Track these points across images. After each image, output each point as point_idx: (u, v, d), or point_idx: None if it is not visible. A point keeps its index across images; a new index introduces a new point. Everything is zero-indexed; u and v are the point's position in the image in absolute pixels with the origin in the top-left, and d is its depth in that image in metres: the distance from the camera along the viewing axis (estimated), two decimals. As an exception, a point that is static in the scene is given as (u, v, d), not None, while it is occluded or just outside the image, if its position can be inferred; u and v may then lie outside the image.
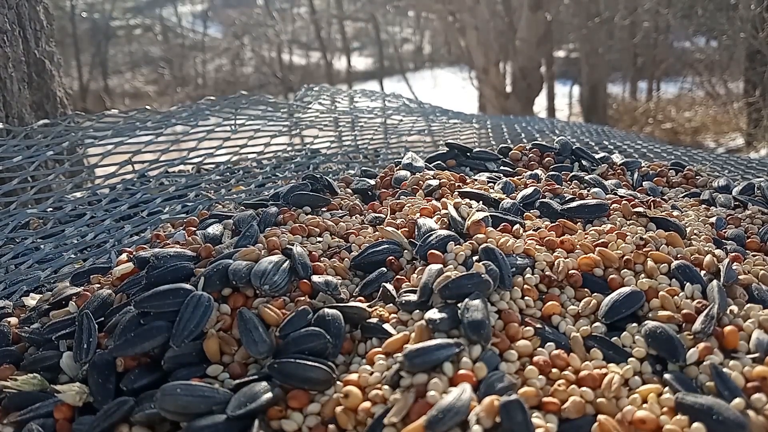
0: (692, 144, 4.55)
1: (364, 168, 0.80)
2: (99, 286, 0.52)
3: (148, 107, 1.04)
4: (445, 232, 0.51)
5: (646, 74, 6.23)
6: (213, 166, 0.94)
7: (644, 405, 0.37)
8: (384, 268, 0.50)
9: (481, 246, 0.48)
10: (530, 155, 0.82)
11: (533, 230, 0.54)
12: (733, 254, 0.52)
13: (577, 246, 0.50)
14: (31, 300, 0.55)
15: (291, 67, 8.15)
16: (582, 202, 0.60)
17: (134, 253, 0.53)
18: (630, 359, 0.40)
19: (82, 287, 0.53)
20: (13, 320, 0.51)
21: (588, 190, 0.67)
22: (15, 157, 0.83)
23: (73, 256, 0.68)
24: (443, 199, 0.61)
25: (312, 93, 1.35)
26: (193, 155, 0.95)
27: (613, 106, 6.04)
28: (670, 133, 5.14)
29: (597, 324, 0.43)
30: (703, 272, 0.47)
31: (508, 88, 4.96)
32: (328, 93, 1.39)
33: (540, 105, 5.71)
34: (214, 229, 0.57)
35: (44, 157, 0.85)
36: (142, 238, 0.70)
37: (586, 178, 0.72)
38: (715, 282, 0.45)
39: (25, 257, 0.67)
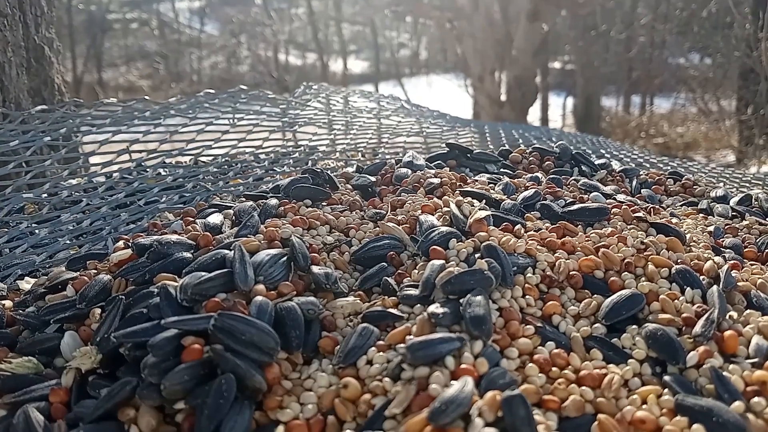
0: (683, 159, 4.57)
1: (363, 165, 0.80)
2: (96, 271, 0.52)
3: (147, 98, 1.03)
4: (446, 229, 0.51)
5: (640, 88, 6.27)
6: (211, 158, 0.94)
7: (644, 406, 0.37)
8: (384, 263, 0.50)
9: (483, 244, 0.48)
10: (530, 158, 0.82)
11: (534, 231, 0.54)
12: (732, 261, 0.52)
13: (578, 248, 0.51)
14: (26, 284, 0.55)
15: (287, 68, 8.13)
16: (583, 205, 0.60)
17: (132, 240, 0.53)
18: (630, 360, 0.40)
19: (79, 272, 0.53)
20: (8, 303, 0.50)
21: (588, 194, 0.68)
22: (11, 141, 0.82)
23: (68, 241, 0.67)
24: (445, 197, 0.61)
25: (311, 91, 1.35)
26: (191, 146, 0.94)
27: (606, 119, 6.07)
28: (662, 148, 5.17)
29: (597, 325, 0.43)
30: (702, 277, 0.48)
31: (503, 97, 4.97)
32: (327, 92, 1.39)
33: (534, 115, 5.73)
34: (215, 218, 0.57)
35: (41, 143, 0.85)
36: (138, 227, 0.70)
37: (587, 182, 0.72)
38: (715, 287, 0.46)
39: (20, 241, 0.66)
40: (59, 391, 0.39)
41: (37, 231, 0.68)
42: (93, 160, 0.91)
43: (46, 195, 0.76)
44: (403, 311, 0.43)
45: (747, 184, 1.07)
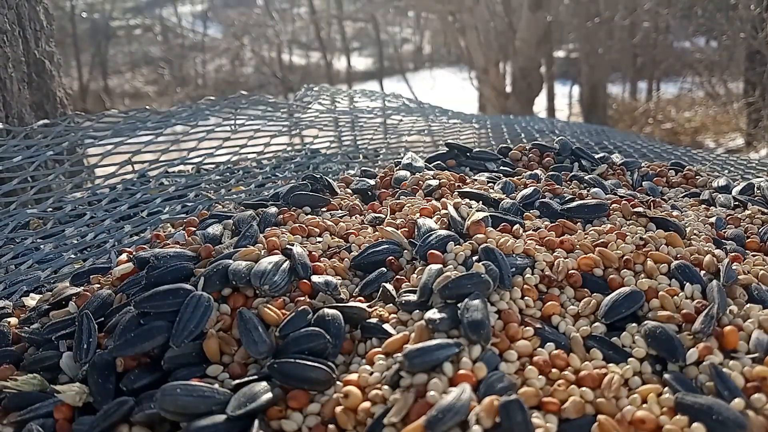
0: (692, 144, 4.54)
1: (363, 168, 0.80)
2: (99, 286, 0.52)
3: (147, 107, 1.04)
4: (444, 232, 0.51)
5: (646, 74, 6.22)
6: (213, 166, 0.94)
7: (644, 405, 0.37)
8: (384, 268, 0.50)
9: (481, 246, 0.48)
10: (530, 155, 0.82)
11: (533, 230, 0.54)
12: (733, 254, 0.52)
13: (577, 246, 0.50)
14: (31, 300, 0.55)
15: (291, 68, 8.14)
16: (582, 202, 0.60)
17: (134, 253, 0.53)
18: (630, 359, 0.40)
19: (82, 287, 0.53)
20: (13, 320, 0.51)
21: (588, 190, 0.67)
22: (15, 157, 0.83)
23: (73, 256, 0.68)
24: (443, 199, 0.61)
25: (312, 93, 1.35)
26: (193, 155, 0.95)
27: (613, 106, 6.03)
28: (670, 133, 5.13)
29: (597, 324, 0.43)
30: (702, 272, 0.47)
31: (508, 89, 4.95)
32: (328, 93, 1.39)
33: (540, 105, 5.71)
34: (214, 229, 0.57)
35: (44, 158, 0.85)
36: (142, 239, 0.70)
37: (586, 178, 0.72)
38: (714, 282, 0.45)
39: (25, 257, 0.67)
40: (63, 408, 0.40)
41: (42, 246, 0.69)
42: (97, 172, 0.92)
43: (50, 209, 0.77)
44: (401, 318, 0.43)
45: (753, 171, 1.06)
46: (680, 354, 0.39)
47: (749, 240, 0.57)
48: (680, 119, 5.53)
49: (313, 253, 0.51)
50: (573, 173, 0.74)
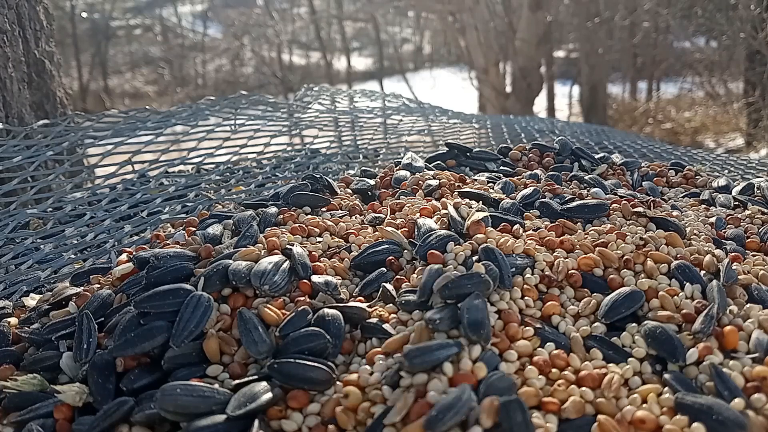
0: (692, 144, 4.54)
1: (363, 168, 0.80)
2: (99, 286, 0.52)
3: (147, 107, 1.04)
4: (444, 232, 0.51)
5: (646, 74, 6.22)
6: (213, 166, 0.94)
7: (644, 405, 0.37)
8: (384, 268, 0.50)
9: (481, 246, 0.48)
10: (530, 155, 0.82)
11: (533, 230, 0.54)
12: (733, 254, 0.52)
13: (577, 246, 0.50)
14: (31, 300, 0.55)
15: (291, 67, 8.15)
16: (582, 202, 0.60)
17: (134, 253, 0.53)
18: (630, 359, 0.40)
19: (82, 287, 0.53)
20: (13, 320, 0.51)
21: (588, 190, 0.67)
22: (15, 157, 0.83)
23: (73, 256, 0.68)
24: (443, 199, 0.61)
25: (312, 93, 1.35)
26: (193, 155, 0.95)
27: (613, 106, 6.03)
28: (670, 134, 5.13)
29: (597, 324, 0.43)
30: (702, 272, 0.47)
31: (508, 88, 4.96)
32: (327, 93, 1.39)
33: (540, 105, 5.71)
34: (214, 229, 0.57)
35: (44, 158, 0.86)
36: (142, 239, 0.70)
37: (586, 178, 0.72)
38: (714, 282, 0.45)
39: (25, 257, 0.67)
40: (63, 408, 0.40)
41: (42, 246, 0.69)
42: (97, 172, 0.92)
43: (50, 209, 0.77)
44: (401, 318, 0.43)
45: (753, 171, 1.06)
46: (680, 354, 0.40)
47: (749, 240, 0.57)
48: (680, 119, 5.53)
49: (313, 253, 0.51)
50: (573, 173, 0.74)
